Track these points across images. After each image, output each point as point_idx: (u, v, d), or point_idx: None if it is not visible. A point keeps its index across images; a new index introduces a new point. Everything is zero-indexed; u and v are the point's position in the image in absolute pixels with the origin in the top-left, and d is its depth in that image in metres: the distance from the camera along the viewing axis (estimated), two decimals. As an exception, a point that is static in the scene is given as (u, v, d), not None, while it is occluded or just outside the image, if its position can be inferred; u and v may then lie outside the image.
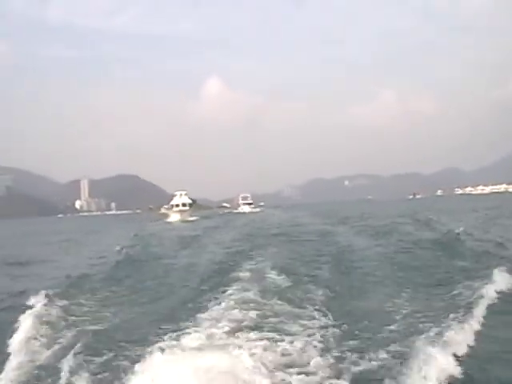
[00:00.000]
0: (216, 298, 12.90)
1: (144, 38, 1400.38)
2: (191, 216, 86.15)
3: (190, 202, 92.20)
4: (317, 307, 11.89)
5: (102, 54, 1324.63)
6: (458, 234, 24.31)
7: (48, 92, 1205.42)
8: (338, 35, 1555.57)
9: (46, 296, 14.10)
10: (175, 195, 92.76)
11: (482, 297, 11.21)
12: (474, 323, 9.38)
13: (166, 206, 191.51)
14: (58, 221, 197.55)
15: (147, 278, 19.28)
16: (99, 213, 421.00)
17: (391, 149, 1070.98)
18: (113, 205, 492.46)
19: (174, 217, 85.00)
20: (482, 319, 9.71)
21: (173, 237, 41.17)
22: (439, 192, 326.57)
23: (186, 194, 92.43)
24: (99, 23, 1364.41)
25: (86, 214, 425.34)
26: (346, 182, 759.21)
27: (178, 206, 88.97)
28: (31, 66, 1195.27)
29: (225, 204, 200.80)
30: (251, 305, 11.79)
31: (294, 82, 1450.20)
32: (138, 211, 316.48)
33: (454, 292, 12.71)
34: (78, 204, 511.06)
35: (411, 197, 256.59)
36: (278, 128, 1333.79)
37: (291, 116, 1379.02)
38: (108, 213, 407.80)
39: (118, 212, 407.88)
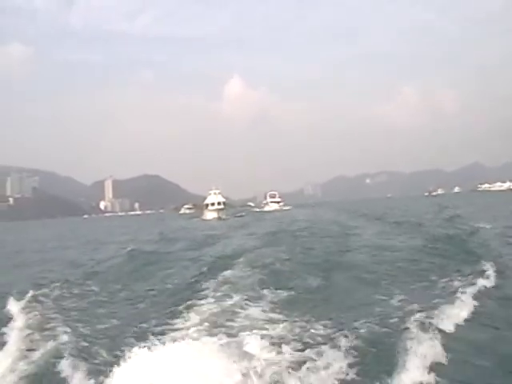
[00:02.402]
0: (211, 295, 12.84)
1: (164, 39, 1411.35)
2: (227, 215, 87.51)
3: (225, 200, 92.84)
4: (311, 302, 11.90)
5: (123, 56, 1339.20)
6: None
7: (70, 95, 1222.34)
8: (361, 32, 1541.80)
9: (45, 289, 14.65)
10: (209, 194, 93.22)
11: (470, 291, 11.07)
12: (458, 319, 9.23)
13: (186, 206, 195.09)
14: (93, 221, 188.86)
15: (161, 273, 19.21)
16: (123, 213, 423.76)
17: (413, 145, 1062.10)
18: (136, 205, 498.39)
19: (211, 215, 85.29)
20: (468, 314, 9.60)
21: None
22: (456, 189, 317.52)
23: (219, 193, 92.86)
24: (119, 26, 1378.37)
25: (110, 214, 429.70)
26: (368, 180, 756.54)
27: (213, 204, 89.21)
28: (53, 69, 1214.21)
29: (249, 203, 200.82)
30: (248, 302, 11.65)
31: (315, 80, 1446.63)
32: (161, 211, 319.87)
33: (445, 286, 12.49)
34: (102, 205, 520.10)
35: (427, 194, 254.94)
36: (298, 126, 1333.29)
37: (311, 114, 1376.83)
38: (132, 213, 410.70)
39: (141, 212, 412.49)
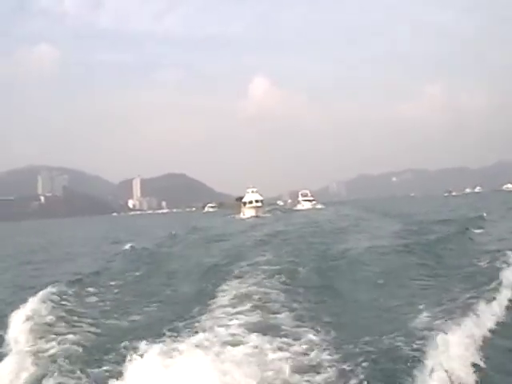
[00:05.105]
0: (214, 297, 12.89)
1: (190, 39, 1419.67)
2: (265, 213, 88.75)
3: (262, 199, 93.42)
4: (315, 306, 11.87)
5: (149, 55, 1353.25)
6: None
7: (98, 94, 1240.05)
8: (385, 31, 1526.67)
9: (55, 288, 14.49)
10: (247, 192, 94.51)
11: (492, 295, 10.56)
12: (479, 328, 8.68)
13: (210, 205, 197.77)
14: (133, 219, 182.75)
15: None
16: (151, 211, 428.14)
17: (439, 144, 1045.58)
18: (163, 203, 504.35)
19: (249, 213, 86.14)
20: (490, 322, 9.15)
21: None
22: (477, 189, 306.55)
23: (256, 191, 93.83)
24: (147, 26, 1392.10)
25: (138, 212, 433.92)
26: (394, 179, 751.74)
27: (251, 202, 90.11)
28: (79, 70, 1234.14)
29: (278, 201, 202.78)
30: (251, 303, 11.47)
31: (341, 79, 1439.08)
32: (188, 209, 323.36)
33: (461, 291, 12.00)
34: (130, 203, 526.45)
35: (447, 194, 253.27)
36: (324, 125, 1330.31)
37: (337, 113, 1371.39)
38: (159, 211, 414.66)
39: (168, 210, 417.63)
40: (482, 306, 9.75)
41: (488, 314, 9.36)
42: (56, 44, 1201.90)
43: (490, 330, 8.65)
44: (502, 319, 9.28)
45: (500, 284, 11.60)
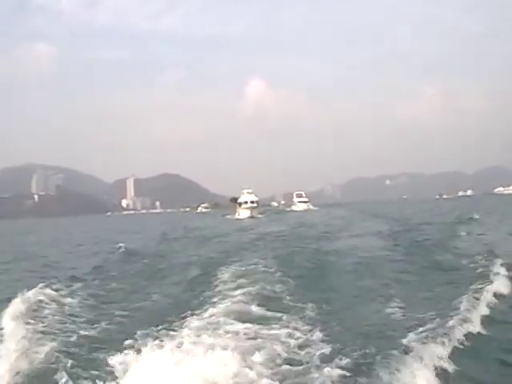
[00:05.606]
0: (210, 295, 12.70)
1: (190, 39, 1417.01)
2: (260, 214, 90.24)
3: (257, 199, 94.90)
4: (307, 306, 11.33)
5: (149, 55, 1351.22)
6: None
7: (97, 94, 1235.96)
8: (385, 31, 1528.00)
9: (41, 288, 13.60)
10: (243, 193, 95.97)
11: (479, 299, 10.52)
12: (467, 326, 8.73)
13: (203, 205, 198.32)
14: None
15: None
16: (144, 211, 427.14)
17: (438, 145, 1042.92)
18: (157, 203, 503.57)
19: (244, 213, 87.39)
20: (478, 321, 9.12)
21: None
22: (469, 192, 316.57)
23: (252, 192, 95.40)
24: (147, 25, 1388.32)
25: (132, 212, 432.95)
26: (387, 182, 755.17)
27: (246, 203, 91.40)
28: (76, 69, 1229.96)
29: (273, 203, 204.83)
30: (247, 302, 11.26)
31: (341, 79, 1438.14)
32: (182, 209, 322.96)
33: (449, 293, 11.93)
34: (124, 203, 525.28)
35: (438, 197, 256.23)
36: (324, 125, 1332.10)
37: (337, 113, 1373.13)
38: (153, 211, 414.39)
39: (162, 210, 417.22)
40: (457, 298, 10.56)
41: (462, 306, 9.86)
42: (54, 42, 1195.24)
43: (464, 320, 9.00)
44: (476, 311, 9.60)
45: (478, 281, 12.15)
